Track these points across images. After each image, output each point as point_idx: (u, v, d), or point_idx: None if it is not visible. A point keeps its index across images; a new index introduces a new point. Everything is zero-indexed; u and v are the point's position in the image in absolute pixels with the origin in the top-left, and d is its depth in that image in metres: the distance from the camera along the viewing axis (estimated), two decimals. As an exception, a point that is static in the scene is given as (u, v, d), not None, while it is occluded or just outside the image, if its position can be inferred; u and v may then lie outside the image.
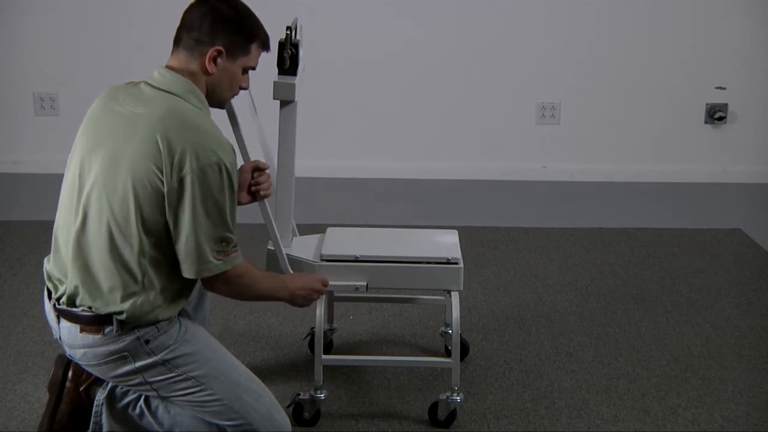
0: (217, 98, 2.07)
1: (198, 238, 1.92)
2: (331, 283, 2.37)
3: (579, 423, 2.48)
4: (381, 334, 2.95)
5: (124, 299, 1.93)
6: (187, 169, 1.88)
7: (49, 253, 2.07)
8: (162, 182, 1.88)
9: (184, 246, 1.93)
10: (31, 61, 4.44)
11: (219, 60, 2.00)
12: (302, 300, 2.27)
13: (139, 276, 1.94)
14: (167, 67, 2.01)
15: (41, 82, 4.48)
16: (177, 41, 2.02)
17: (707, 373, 2.74)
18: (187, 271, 1.96)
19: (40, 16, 4.37)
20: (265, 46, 2.10)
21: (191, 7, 2.02)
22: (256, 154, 2.29)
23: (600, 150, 4.61)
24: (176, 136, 1.89)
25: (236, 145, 2.17)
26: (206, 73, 2.00)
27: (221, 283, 2.02)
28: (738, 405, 2.57)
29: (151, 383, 2.01)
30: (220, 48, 1.98)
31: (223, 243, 1.96)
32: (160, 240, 1.94)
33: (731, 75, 4.51)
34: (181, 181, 1.88)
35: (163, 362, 1.99)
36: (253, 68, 2.10)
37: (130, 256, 1.92)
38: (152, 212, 1.91)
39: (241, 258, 2.03)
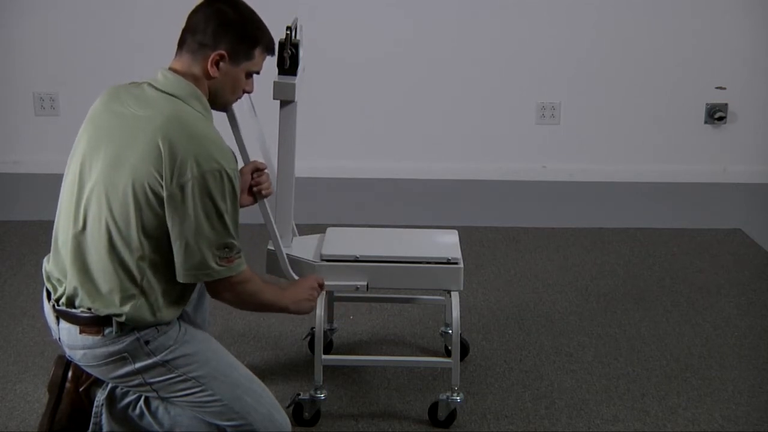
0: (220, 102, 2.06)
1: (199, 244, 1.91)
2: (331, 283, 2.37)
3: (579, 423, 2.48)
4: (381, 334, 2.95)
5: (123, 302, 1.93)
6: (188, 175, 1.87)
7: (48, 253, 2.07)
8: (162, 186, 1.88)
9: (184, 251, 1.92)
10: (31, 61, 4.44)
11: (222, 64, 1.98)
12: (307, 303, 2.26)
13: (138, 278, 1.93)
14: (170, 69, 2.00)
15: (41, 82, 4.47)
16: (181, 44, 2.00)
17: (707, 373, 2.74)
18: (185, 276, 1.95)
19: (40, 16, 4.37)
20: (270, 50, 2.08)
21: (196, 9, 2.00)
22: (255, 156, 2.29)
23: (600, 150, 4.61)
24: (178, 142, 1.88)
25: (236, 147, 2.17)
26: (209, 76, 1.99)
27: (225, 290, 2.01)
28: (738, 405, 2.57)
29: (151, 384, 2.01)
30: (223, 52, 1.97)
31: (226, 249, 1.95)
32: (160, 244, 1.93)
33: (731, 75, 4.51)
34: (182, 188, 1.87)
35: (163, 363, 1.99)
36: (257, 73, 2.08)
37: (129, 259, 1.92)
38: (152, 216, 1.90)
39: (245, 265, 2.02)
